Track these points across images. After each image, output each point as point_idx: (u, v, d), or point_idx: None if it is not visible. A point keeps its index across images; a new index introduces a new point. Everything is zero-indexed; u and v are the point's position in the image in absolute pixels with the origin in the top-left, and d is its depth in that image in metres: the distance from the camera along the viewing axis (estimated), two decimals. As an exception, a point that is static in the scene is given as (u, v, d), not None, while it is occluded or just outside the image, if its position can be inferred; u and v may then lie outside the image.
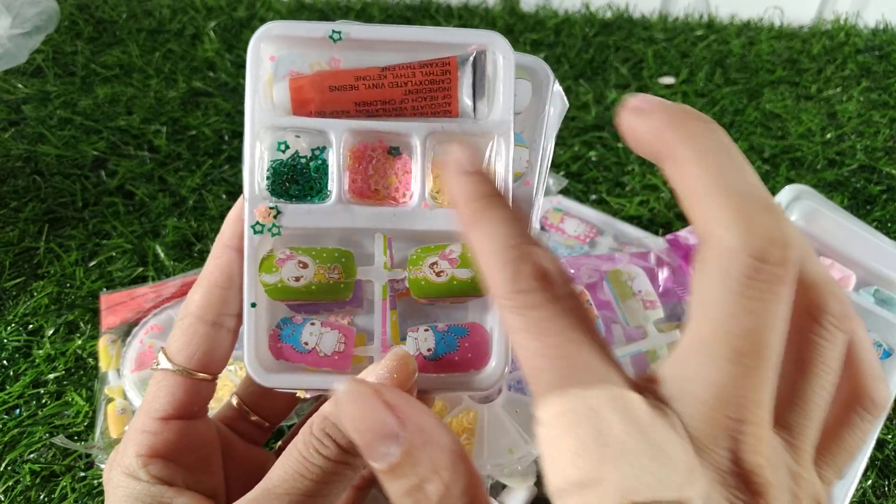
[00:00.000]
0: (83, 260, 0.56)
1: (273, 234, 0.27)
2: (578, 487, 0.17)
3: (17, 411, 0.47)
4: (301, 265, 0.27)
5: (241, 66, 0.74)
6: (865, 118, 0.71)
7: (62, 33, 0.76)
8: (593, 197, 0.62)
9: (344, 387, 0.21)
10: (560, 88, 0.30)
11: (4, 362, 0.50)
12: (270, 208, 0.27)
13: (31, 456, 0.45)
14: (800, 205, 0.53)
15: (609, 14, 0.84)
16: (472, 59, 0.28)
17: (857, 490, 0.43)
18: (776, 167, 0.65)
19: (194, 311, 0.28)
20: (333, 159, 0.28)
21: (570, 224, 0.55)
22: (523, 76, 0.29)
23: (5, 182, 0.61)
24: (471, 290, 0.27)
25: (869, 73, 0.77)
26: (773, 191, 0.59)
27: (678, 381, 0.18)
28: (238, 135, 0.66)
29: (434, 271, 0.27)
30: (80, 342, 0.50)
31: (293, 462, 0.24)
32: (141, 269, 0.55)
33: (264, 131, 0.27)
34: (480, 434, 0.37)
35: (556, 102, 0.30)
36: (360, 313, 0.29)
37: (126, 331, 0.49)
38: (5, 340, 0.51)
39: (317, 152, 0.28)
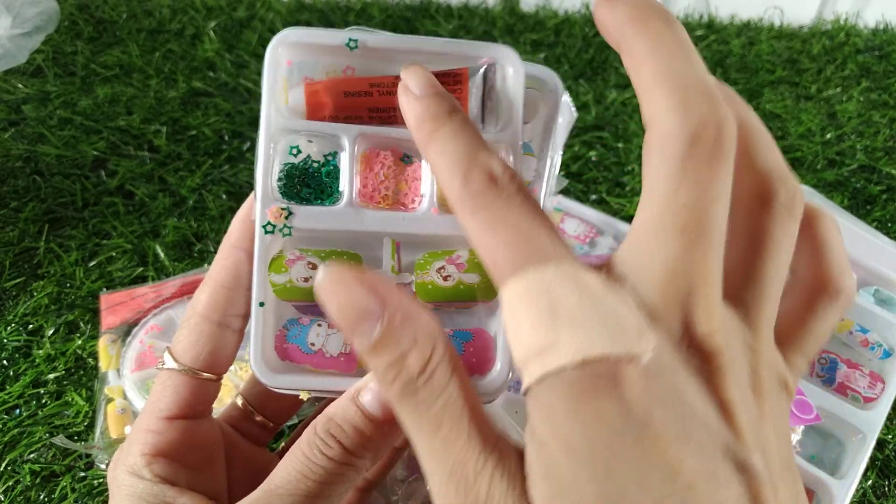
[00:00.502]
0: (83, 260, 0.56)
1: (284, 235, 0.27)
2: (537, 354, 0.18)
3: (17, 411, 0.47)
4: (310, 266, 0.27)
5: (241, 66, 0.74)
6: (865, 118, 0.71)
7: (62, 33, 0.76)
8: (593, 197, 0.62)
9: (325, 270, 0.21)
10: (569, 98, 0.30)
11: (4, 362, 0.50)
12: (282, 209, 0.27)
13: (31, 456, 0.45)
14: (800, 205, 0.53)
15: (609, 14, 0.84)
16: (482, 71, 0.28)
17: (857, 490, 0.43)
18: (776, 167, 0.65)
19: (200, 311, 0.28)
20: (346, 163, 0.28)
21: (570, 224, 0.56)
22: (533, 86, 0.30)
23: (5, 182, 0.61)
24: (478, 295, 0.27)
25: (869, 73, 0.77)
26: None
27: (630, 259, 0.19)
28: (238, 135, 0.66)
29: (441, 275, 0.27)
30: (80, 342, 0.50)
31: (296, 463, 0.24)
32: (141, 269, 0.55)
33: (279, 134, 0.28)
34: None
35: (565, 112, 0.30)
36: None
37: (126, 331, 0.49)
38: (5, 340, 0.51)
39: (329, 157, 0.29)
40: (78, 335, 0.51)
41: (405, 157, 0.29)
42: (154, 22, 0.79)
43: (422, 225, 0.28)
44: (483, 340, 0.28)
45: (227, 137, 0.66)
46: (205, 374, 0.28)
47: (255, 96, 0.70)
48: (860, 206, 0.62)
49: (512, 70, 0.28)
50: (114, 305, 0.51)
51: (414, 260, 0.28)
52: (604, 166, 0.64)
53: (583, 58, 0.76)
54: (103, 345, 0.48)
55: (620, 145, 0.66)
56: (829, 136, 0.68)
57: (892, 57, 0.79)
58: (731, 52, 0.78)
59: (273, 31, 0.78)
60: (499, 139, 0.28)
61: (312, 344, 0.27)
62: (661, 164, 0.18)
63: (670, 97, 0.18)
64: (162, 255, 0.56)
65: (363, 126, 0.28)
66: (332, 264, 0.21)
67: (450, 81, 0.28)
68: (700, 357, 0.18)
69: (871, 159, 0.66)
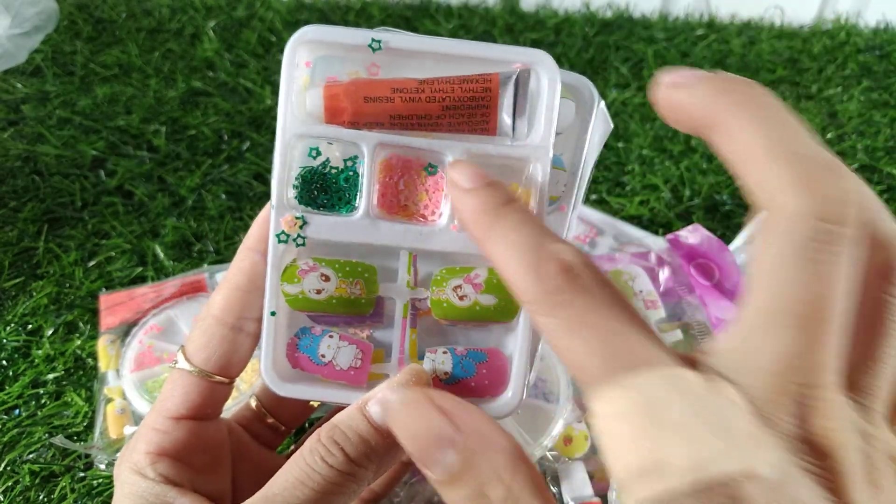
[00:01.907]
0: (82, 260, 0.56)
1: (297, 245, 0.27)
2: (642, 475, 0.16)
3: (17, 411, 0.47)
4: (323, 278, 0.27)
5: (241, 65, 0.74)
6: (866, 118, 0.70)
7: (61, 33, 0.76)
8: (593, 197, 0.61)
9: (394, 393, 0.21)
10: (604, 108, 0.29)
11: (4, 362, 0.50)
12: (297, 218, 0.27)
13: (31, 456, 0.45)
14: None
15: (609, 14, 0.84)
16: (515, 77, 0.27)
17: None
18: (776, 167, 0.65)
19: (215, 313, 0.28)
20: (364, 172, 0.27)
21: (570, 224, 0.55)
22: (567, 96, 0.28)
23: (4, 182, 0.61)
24: (494, 317, 0.27)
25: (869, 72, 0.76)
26: (774, 190, 0.59)
27: (738, 353, 0.17)
28: (237, 134, 0.66)
29: (457, 295, 0.26)
30: (79, 342, 0.50)
31: (296, 470, 0.23)
32: (140, 269, 0.55)
33: (295, 140, 0.27)
34: None
35: (600, 124, 0.29)
36: (380, 328, 0.29)
37: (125, 331, 0.49)
38: (4, 341, 0.51)
39: (349, 163, 0.28)
40: (77, 335, 0.51)
41: (429, 167, 0.28)
42: (153, 21, 0.79)
43: (440, 241, 0.27)
44: (497, 362, 0.27)
45: (226, 137, 0.66)
46: (216, 376, 0.28)
47: (254, 96, 0.70)
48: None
49: (547, 78, 0.27)
50: (113, 305, 0.51)
51: (431, 273, 0.27)
52: (604, 166, 0.64)
53: (583, 58, 0.76)
54: (103, 345, 0.48)
55: (620, 145, 0.66)
56: (829, 135, 0.68)
57: (892, 56, 0.79)
58: (731, 51, 0.78)
59: (273, 31, 0.78)
60: (528, 153, 0.27)
61: (323, 356, 0.26)
62: (783, 250, 0.16)
63: (791, 174, 0.17)
64: (161, 255, 0.56)
65: (382, 134, 0.27)
66: (400, 388, 0.21)
67: (478, 89, 0.26)
68: (817, 456, 0.16)
69: (872, 159, 0.66)
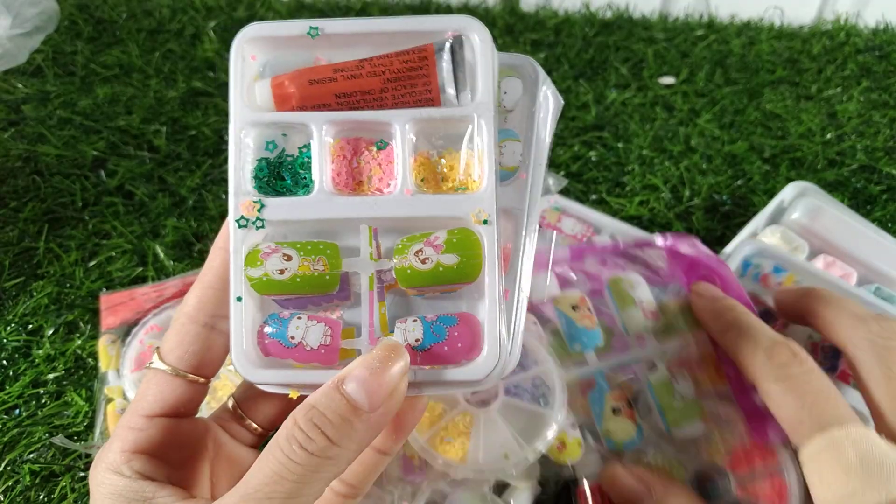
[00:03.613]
0: (83, 260, 0.56)
1: (257, 228, 0.27)
2: (849, 498, 0.25)
3: (17, 411, 0.47)
4: (285, 258, 0.26)
5: (241, 66, 0.74)
6: (866, 118, 0.70)
7: (62, 33, 0.76)
8: (593, 197, 0.62)
9: (604, 473, 0.32)
10: (553, 87, 0.30)
11: (4, 362, 0.50)
12: (254, 202, 0.27)
13: (31, 456, 0.45)
14: (803, 202, 0.53)
15: (609, 14, 0.84)
16: (448, 45, 0.28)
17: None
18: (776, 167, 0.65)
19: (188, 312, 0.28)
20: (316, 151, 0.28)
21: (567, 223, 0.55)
22: (512, 73, 0.29)
23: (5, 182, 0.61)
24: (457, 277, 0.27)
25: (869, 73, 0.77)
26: (774, 190, 0.59)
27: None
28: (238, 135, 0.66)
29: (419, 259, 0.26)
30: (79, 342, 0.50)
31: (273, 463, 0.23)
32: (141, 269, 0.55)
33: (248, 128, 0.28)
34: (476, 437, 0.37)
35: (550, 99, 0.30)
36: (349, 306, 0.29)
37: (126, 331, 0.49)
38: (5, 340, 0.51)
39: (303, 149, 0.28)
40: (78, 335, 0.51)
41: (379, 143, 0.28)
42: (154, 22, 0.79)
43: (396, 207, 0.27)
44: (469, 324, 0.27)
45: (226, 137, 0.66)
46: (189, 375, 0.28)
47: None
48: (860, 207, 0.62)
49: (478, 37, 0.28)
50: (114, 305, 0.51)
51: (393, 245, 0.28)
52: (604, 166, 0.64)
53: (583, 58, 0.76)
54: (103, 345, 0.48)
55: (620, 145, 0.66)
56: (829, 136, 0.68)
57: (892, 57, 0.79)
58: (731, 51, 0.78)
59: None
60: (471, 111, 0.27)
61: (293, 337, 0.26)
62: None
63: None
64: (162, 255, 0.56)
65: (331, 112, 0.28)
66: (609, 470, 0.31)
67: (415, 59, 0.27)
68: None
69: (872, 159, 0.66)
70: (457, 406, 0.38)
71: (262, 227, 0.27)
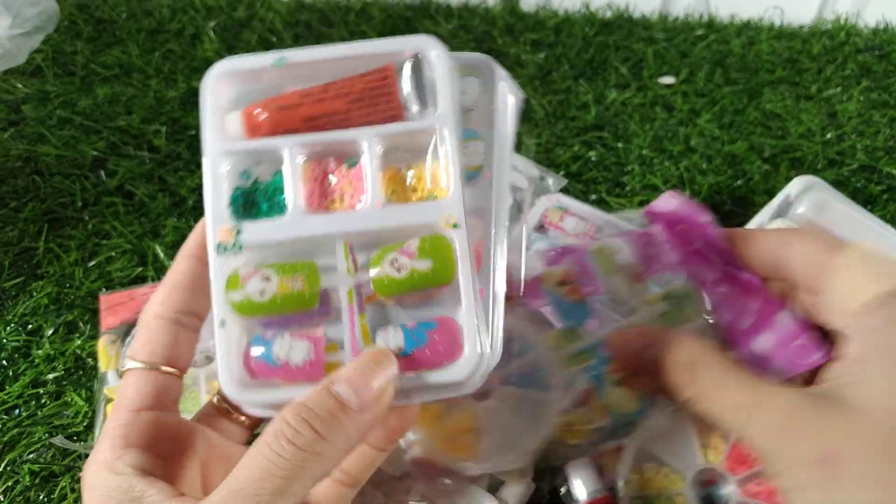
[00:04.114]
0: (83, 260, 0.56)
1: (236, 252, 0.28)
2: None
3: (17, 411, 0.47)
4: (265, 279, 0.27)
5: (241, 66, 0.74)
6: (866, 118, 0.70)
7: (62, 33, 0.76)
8: (593, 197, 0.62)
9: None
10: (512, 81, 0.31)
11: (4, 362, 0.50)
12: (231, 228, 0.28)
13: (31, 456, 0.45)
14: (809, 196, 0.52)
15: (609, 14, 0.84)
16: (409, 63, 0.29)
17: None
18: (776, 167, 0.65)
19: (154, 311, 0.29)
20: (288, 174, 0.29)
21: (569, 222, 0.55)
22: (470, 73, 0.31)
23: (5, 182, 0.61)
24: (432, 280, 0.27)
25: (869, 72, 0.77)
26: (774, 190, 0.59)
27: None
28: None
29: (395, 268, 0.27)
30: (79, 342, 0.50)
31: (260, 459, 0.23)
32: (140, 269, 0.55)
33: (222, 158, 0.29)
34: (481, 432, 0.37)
35: (508, 94, 0.31)
36: (331, 322, 0.29)
37: (126, 331, 0.49)
38: (4, 340, 0.51)
39: (276, 175, 0.29)
40: (77, 335, 0.51)
41: (350, 161, 0.29)
42: (154, 22, 0.79)
43: (368, 220, 0.28)
44: (448, 327, 0.27)
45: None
46: (164, 367, 0.28)
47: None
48: (860, 206, 0.62)
49: (435, 54, 0.29)
50: (113, 306, 0.51)
51: (369, 258, 0.28)
52: (604, 166, 0.64)
53: (583, 58, 0.76)
54: (103, 345, 0.48)
55: (620, 145, 0.66)
56: (829, 135, 0.68)
57: (892, 57, 0.79)
58: (731, 51, 0.78)
59: (273, 32, 0.78)
60: (432, 122, 0.28)
61: (278, 357, 0.27)
62: None
63: None
64: (161, 255, 0.56)
65: (300, 136, 0.29)
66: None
67: (377, 79, 0.29)
68: None
69: (872, 159, 0.66)
70: (457, 404, 0.38)
71: (241, 250, 0.28)
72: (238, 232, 0.28)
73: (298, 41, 0.77)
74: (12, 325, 0.51)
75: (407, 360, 0.27)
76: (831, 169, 0.65)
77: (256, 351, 0.27)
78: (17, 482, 0.44)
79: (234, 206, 0.29)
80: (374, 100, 0.29)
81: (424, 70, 0.29)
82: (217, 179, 0.29)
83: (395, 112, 0.29)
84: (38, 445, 0.45)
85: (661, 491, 0.38)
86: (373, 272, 0.28)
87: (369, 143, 0.29)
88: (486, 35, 0.79)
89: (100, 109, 0.68)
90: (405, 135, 0.29)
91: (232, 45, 0.76)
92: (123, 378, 0.28)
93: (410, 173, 0.29)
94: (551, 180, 0.59)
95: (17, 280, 0.54)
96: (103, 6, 0.80)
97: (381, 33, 0.78)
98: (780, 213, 0.54)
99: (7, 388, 0.48)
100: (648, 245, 0.40)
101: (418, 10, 0.82)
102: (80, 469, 0.44)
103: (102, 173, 0.62)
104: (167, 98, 0.69)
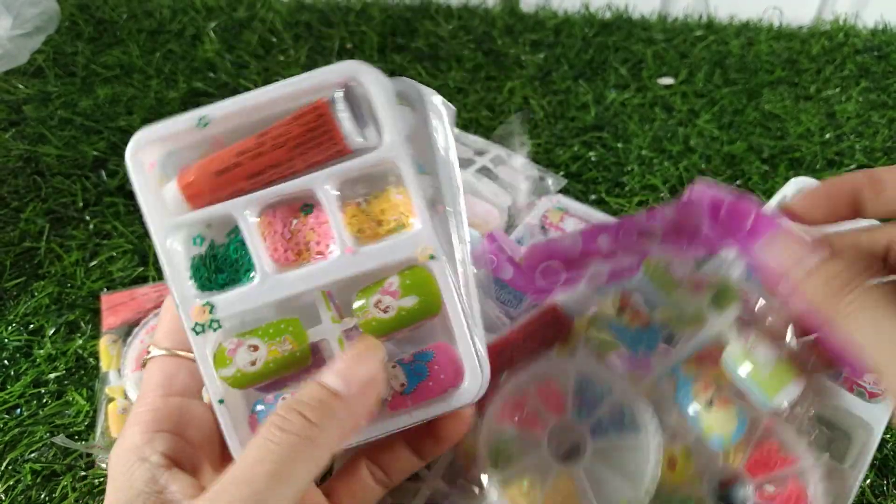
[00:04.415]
0: (84, 260, 0.56)
1: (214, 330, 0.27)
2: None
3: (18, 411, 0.47)
4: (252, 349, 0.27)
5: (242, 66, 0.74)
6: (864, 118, 0.71)
7: (62, 34, 0.76)
8: (593, 197, 0.62)
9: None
10: (439, 97, 0.29)
11: (5, 362, 0.50)
12: (204, 305, 0.27)
13: (32, 455, 0.45)
14: (805, 196, 0.52)
15: (608, 15, 0.84)
16: (340, 94, 0.27)
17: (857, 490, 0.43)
18: (775, 167, 0.65)
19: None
20: (246, 234, 0.28)
21: (569, 223, 0.56)
22: (400, 102, 0.29)
23: (6, 182, 0.61)
24: (420, 315, 0.27)
25: (868, 73, 0.77)
26: (773, 191, 0.60)
27: None
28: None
29: (380, 309, 0.27)
30: (80, 342, 0.50)
31: (253, 449, 0.23)
32: (142, 269, 0.55)
33: (171, 233, 0.28)
34: (585, 499, 0.33)
35: (443, 112, 0.29)
36: None
37: (127, 331, 0.49)
38: (6, 340, 0.51)
39: (231, 235, 0.28)
40: (79, 335, 0.51)
41: (304, 208, 0.28)
42: (154, 22, 0.79)
43: (343, 268, 0.27)
44: (445, 354, 0.27)
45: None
46: (188, 354, 0.28)
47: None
48: (859, 206, 0.62)
49: (369, 78, 0.27)
50: (115, 305, 0.51)
51: (351, 301, 0.28)
52: (603, 166, 0.65)
53: (582, 58, 0.77)
54: (104, 345, 0.48)
55: (620, 145, 0.66)
56: (828, 136, 0.68)
57: (891, 57, 0.79)
58: (730, 52, 0.78)
59: (273, 32, 0.79)
60: (385, 154, 0.27)
61: None
62: None
63: None
64: (162, 255, 0.56)
65: (248, 196, 0.27)
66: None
67: (312, 119, 0.27)
68: None
69: (870, 160, 0.66)
70: (548, 471, 0.34)
71: (220, 327, 0.27)
72: (211, 308, 0.27)
73: (298, 41, 0.77)
74: (14, 324, 0.52)
75: (413, 395, 0.27)
76: (830, 169, 0.65)
77: (262, 417, 0.27)
78: (18, 481, 0.44)
79: (198, 277, 0.28)
80: (315, 140, 0.27)
81: (358, 97, 0.28)
82: (171, 256, 0.28)
83: (339, 147, 0.28)
84: (40, 445, 0.45)
85: (677, 488, 0.37)
86: (360, 318, 0.27)
87: (323, 188, 0.28)
88: (485, 35, 0.79)
89: (100, 110, 0.68)
90: (358, 170, 0.28)
91: (232, 46, 0.77)
92: (148, 365, 0.29)
93: (371, 206, 0.28)
94: (551, 180, 0.59)
95: (19, 280, 0.54)
96: (104, 7, 0.81)
97: (382, 34, 0.79)
98: (776, 214, 0.54)
99: (8, 387, 0.48)
100: (689, 215, 0.35)
101: (418, 11, 0.82)
102: (81, 468, 0.44)
103: (103, 173, 0.62)
104: (168, 98, 0.69)
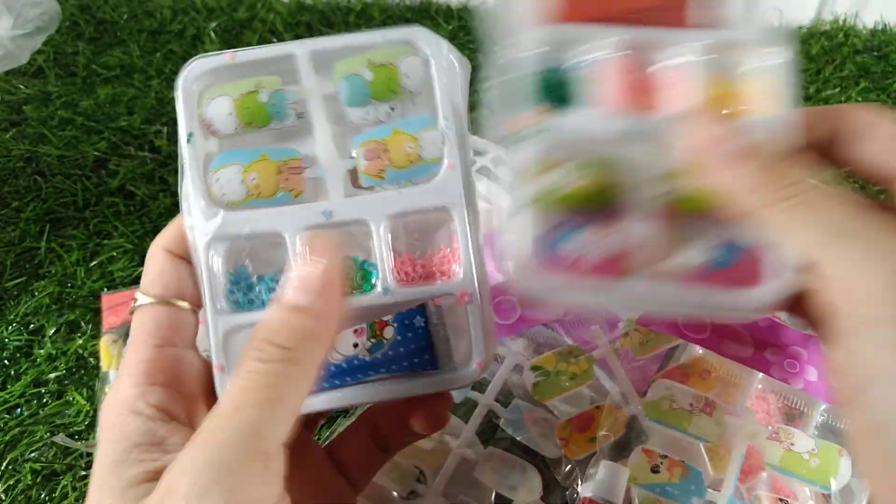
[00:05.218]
0: (84, 260, 0.56)
1: (543, 137, 0.26)
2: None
3: (19, 410, 0.47)
4: (571, 170, 0.26)
5: (242, 66, 0.74)
6: (864, 119, 0.71)
7: (63, 34, 0.76)
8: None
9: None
10: (456, 52, 0.28)
11: (6, 362, 0.50)
12: (543, 110, 0.26)
13: (33, 455, 0.45)
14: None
15: (608, 15, 0.84)
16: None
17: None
18: (775, 167, 0.65)
19: (161, 244, 0.28)
20: (598, 67, 0.26)
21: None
22: (408, 51, 0.28)
23: (7, 182, 0.61)
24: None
25: (867, 73, 0.77)
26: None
27: None
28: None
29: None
30: (80, 342, 0.50)
31: (236, 381, 0.22)
32: (142, 268, 0.55)
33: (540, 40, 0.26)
34: None
35: (457, 67, 0.28)
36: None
37: (127, 330, 0.49)
38: (7, 340, 0.51)
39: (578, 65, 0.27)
40: (79, 335, 0.51)
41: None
42: (155, 23, 0.79)
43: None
44: (753, 255, 0.25)
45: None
46: (178, 301, 0.27)
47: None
48: (858, 207, 0.63)
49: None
50: (115, 305, 0.51)
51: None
52: (603, 167, 0.65)
53: (582, 58, 0.77)
54: (104, 344, 0.49)
55: (619, 146, 0.66)
56: (827, 136, 0.68)
57: (890, 57, 0.79)
58: (730, 52, 0.78)
59: (274, 32, 0.79)
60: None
61: (582, 251, 0.25)
62: None
63: None
64: (162, 254, 0.56)
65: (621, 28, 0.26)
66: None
67: None
68: None
69: (870, 160, 0.66)
70: None
71: (548, 134, 0.26)
72: (549, 114, 0.26)
73: (299, 42, 0.78)
74: (14, 324, 0.52)
75: (703, 275, 0.25)
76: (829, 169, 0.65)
77: (557, 243, 0.25)
78: (18, 481, 0.44)
79: (546, 89, 0.26)
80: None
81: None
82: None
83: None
84: (40, 444, 0.45)
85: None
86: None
87: (692, 47, 0.27)
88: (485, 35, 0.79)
89: (101, 110, 0.68)
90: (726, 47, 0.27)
91: (233, 46, 0.77)
92: (136, 315, 0.27)
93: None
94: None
95: (19, 280, 0.54)
96: (105, 7, 0.81)
97: (382, 34, 0.79)
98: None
99: (9, 387, 0.48)
100: None
101: (418, 11, 0.82)
102: (81, 468, 0.45)
103: (104, 173, 0.62)
104: (168, 99, 0.69)
